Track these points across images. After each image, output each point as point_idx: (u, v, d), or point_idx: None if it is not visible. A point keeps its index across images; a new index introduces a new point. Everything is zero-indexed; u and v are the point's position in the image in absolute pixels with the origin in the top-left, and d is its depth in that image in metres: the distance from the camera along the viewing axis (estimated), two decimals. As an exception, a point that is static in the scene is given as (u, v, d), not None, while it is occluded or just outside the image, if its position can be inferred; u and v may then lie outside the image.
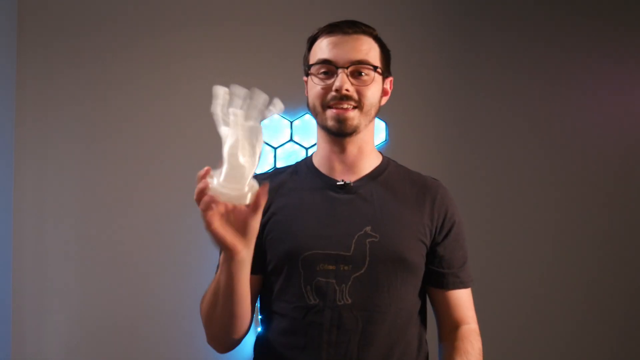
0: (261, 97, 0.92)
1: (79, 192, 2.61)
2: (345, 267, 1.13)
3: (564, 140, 2.72)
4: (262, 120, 0.92)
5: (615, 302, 2.68)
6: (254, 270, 1.18)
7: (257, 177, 1.25)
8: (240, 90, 0.93)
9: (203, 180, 0.89)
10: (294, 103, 2.66)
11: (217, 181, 0.89)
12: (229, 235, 0.94)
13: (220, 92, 0.92)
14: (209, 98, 0.95)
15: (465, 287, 1.24)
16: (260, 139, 0.91)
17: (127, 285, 2.60)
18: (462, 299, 1.24)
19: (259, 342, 1.25)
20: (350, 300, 1.13)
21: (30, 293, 2.57)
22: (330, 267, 1.13)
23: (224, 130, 0.91)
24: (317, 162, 1.26)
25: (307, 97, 1.23)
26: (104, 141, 2.62)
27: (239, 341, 1.17)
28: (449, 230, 1.22)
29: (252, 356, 1.26)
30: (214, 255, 2.60)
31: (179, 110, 2.63)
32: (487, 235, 2.63)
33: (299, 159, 1.32)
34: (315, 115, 1.20)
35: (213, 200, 0.88)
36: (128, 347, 2.60)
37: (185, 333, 2.61)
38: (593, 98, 2.72)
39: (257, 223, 0.96)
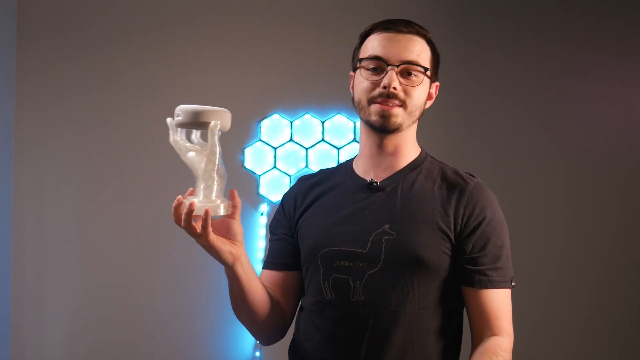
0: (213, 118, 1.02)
1: (78, 188, 2.58)
2: (361, 264, 1.15)
3: (574, 138, 2.70)
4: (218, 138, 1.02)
5: (625, 302, 2.69)
6: (293, 266, 1.27)
7: (301, 178, 1.33)
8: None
9: (177, 199, 0.99)
10: (295, 103, 2.64)
11: (196, 200, 1.01)
12: (225, 245, 1.05)
13: (173, 123, 1.03)
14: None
15: (494, 287, 1.16)
16: (218, 155, 1.02)
17: (128, 284, 2.58)
18: (493, 303, 1.17)
19: (294, 335, 1.31)
20: (363, 297, 1.15)
21: (29, 293, 2.55)
22: (347, 264, 1.16)
23: (190, 155, 1.03)
24: (356, 161, 1.28)
25: (353, 92, 1.23)
26: (104, 136, 2.59)
27: (276, 331, 1.26)
28: (477, 227, 1.17)
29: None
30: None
31: (180, 103, 2.60)
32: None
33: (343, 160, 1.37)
34: (359, 109, 1.20)
35: (191, 213, 0.97)
36: (128, 347, 2.57)
37: (185, 334, 2.59)
38: (603, 94, 2.69)
39: (239, 226, 1.08)
